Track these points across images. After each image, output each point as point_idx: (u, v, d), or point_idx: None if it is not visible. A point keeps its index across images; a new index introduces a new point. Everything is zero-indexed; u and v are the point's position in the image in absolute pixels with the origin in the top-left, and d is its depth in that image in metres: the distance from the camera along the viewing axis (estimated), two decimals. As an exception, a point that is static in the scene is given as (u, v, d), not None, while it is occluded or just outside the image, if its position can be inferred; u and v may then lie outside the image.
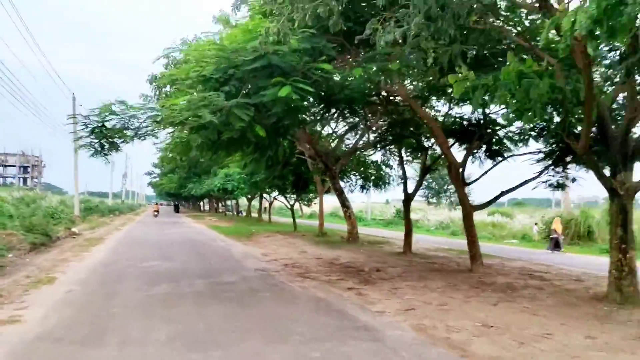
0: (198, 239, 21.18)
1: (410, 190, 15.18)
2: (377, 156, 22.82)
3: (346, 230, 25.56)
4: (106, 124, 8.74)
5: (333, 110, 11.60)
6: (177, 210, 73.35)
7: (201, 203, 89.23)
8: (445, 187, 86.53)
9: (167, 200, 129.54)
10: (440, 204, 76.90)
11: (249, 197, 37.65)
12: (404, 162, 16.03)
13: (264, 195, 34.80)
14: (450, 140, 12.87)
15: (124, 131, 8.94)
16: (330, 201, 64.99)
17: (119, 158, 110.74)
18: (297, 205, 51.06)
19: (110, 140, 9.12)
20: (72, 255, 14.45)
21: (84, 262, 13.04)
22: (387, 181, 23.15)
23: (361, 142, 18.88)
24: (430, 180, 70.84)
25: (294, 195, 26.75)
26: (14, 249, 15.39)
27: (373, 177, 22.55)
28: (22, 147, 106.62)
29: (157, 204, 58.88)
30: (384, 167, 21.09)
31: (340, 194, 18.37)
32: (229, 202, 66.79)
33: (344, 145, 20.08)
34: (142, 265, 12.39)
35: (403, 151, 15.45)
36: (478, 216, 43.87)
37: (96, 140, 9.09)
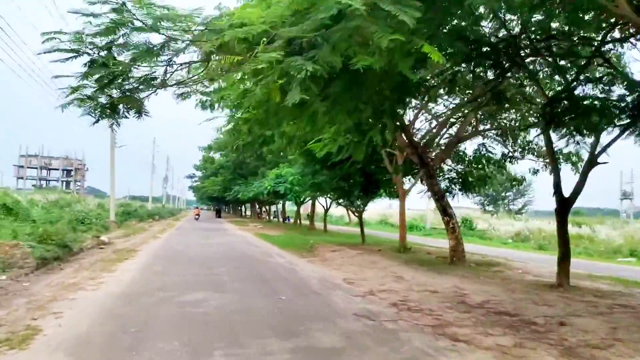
0: (250, 253, 16.97)
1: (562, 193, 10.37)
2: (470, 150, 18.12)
3: (429, 245, 20.90)
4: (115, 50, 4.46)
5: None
6: (218, 215, 70.08)
7: (242, 208, 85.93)
8: (504, 194, 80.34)
9: (207, 205, 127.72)
10: (498, 212, 70.78)
11: (300, 201, 33.46)
12: (555, 153, 11.23)
13: (318, 200, 30.56)
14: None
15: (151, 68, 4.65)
16: (376, 208, 60.00)
17: (159, 160, 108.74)
18: (337, 211, 46.88)
19: (124, 89, 4.83)
20: (88, 278, 10.44)
21: (99, 291, 8.96)
22: (486, 183, 18.43)
23: (468, 129, 14.27)
24: (488, 187, 65.00)
25: (356, 201, 22.21)
26: (15, 266, 11.57)
27: (472, 178, 17.82)
28: (65, 151, 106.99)
29: (197, 208, 63.36)
30: (507, 162, 16.33)
31: (440, 197, 13.74)
32: (273, 208, 63.14)
33: (438, 137, 15.46)
34: (182, 301, 8.16)
35: (555, 136, 10.61)
36: (550, 227, 38.32)
37: (98, 89, 4.80)
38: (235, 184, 36.53)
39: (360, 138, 8.52)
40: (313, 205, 33.62)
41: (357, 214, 21.99)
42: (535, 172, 17.45)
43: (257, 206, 56.20)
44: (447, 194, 20.54)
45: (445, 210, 13.78)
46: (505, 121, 16.18)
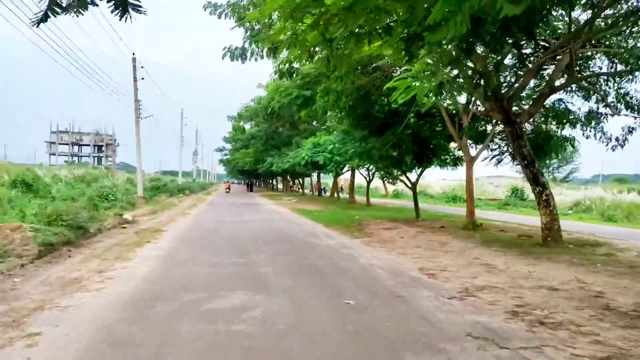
0: (292, 233, 14.58)
1: None
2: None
3: (492, 219, 18.20)
4: None
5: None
6: (250, 188, 68.38)
7: (273, 181, 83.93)
8: (548, 161, 75.47)
9: (237, 179, 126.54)
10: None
11: (338, 173, 30.92)
12: None
13: (358, 170, 27.86)
14: None
15: None
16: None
17: (189, 133, 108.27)
18: (372, 183, 44.55)
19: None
20: (95, 271, 8.22)
21: (102, 293, 6.68)
22: (567, 146, 15.54)
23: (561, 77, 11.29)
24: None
25: (408, 170, 19.42)
26: (13, 254, 9.48)
27: (546, 141, 14.92)
28: (96, 126, 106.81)
29: (228, 182, 67.71)
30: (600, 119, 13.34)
31: (530, 163, 10.90)
32: (307, 180, 60.88)
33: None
34: (212, 311, 5.79)
35: None
36: (603, 195, 34.70)
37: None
38: (268, 155, 33.84)
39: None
40: (353, 176, 30.93)
41: (410, 186, 19.26)
42: (632, 130, 14.39)
43: (290, 179, 53.87)
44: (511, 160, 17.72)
45: (536, 178, 10.94)
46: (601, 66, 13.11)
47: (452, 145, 18.63)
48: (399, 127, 16.41)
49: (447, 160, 19.03)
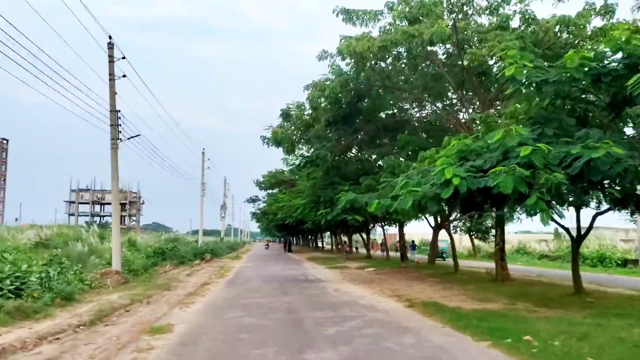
0: None
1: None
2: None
3: None
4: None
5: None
6: (289, 248, 55.95)
7: (314, 237, 71.34)
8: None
9: (272, 237, 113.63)
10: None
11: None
12: None
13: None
14: None
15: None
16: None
17: (214, 184, 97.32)
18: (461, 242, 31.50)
19: None
20: None
21: None
22: None
23: None
24: None
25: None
26: None
27: None
28: (121, 184, 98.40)
29: (267, 239, 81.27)
30: None
31: None
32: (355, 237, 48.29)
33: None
34: None
35: None
36: None
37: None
38: (332, 192, 19.84)
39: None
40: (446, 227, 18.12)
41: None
42: None
43: (343, 235, 41.18)
44: None
45: None
46: None
47: None
48: None
49: None
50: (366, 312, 10.08)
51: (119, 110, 18.88)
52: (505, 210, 11.32)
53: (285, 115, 17.86)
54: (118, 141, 18.49)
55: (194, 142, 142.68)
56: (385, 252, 34.61)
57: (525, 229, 49.27)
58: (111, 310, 10.98)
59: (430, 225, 23.53)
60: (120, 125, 18.78)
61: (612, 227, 44.48)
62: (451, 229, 26.41)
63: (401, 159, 16.85)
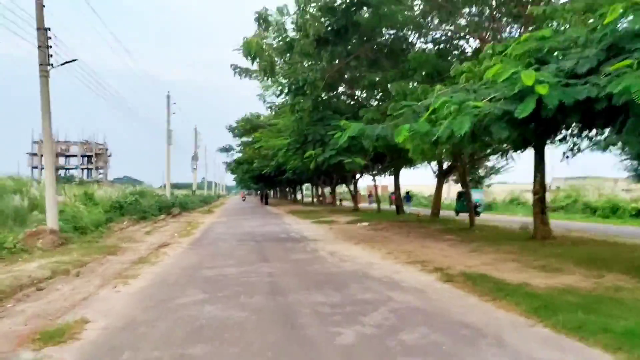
0: None
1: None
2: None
3: None
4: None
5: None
6: (265, 201, 52.59)
7: (293, 189, 67.88)
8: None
9: (247, 190, 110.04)
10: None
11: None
12: None
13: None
14: None
15: None
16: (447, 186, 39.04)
17: (183, 134, 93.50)
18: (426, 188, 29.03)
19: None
20: None
21: None
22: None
23: None
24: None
25: None
26: None
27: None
28: (85, 135, 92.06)
29: (243, 192, 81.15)
30: None
31: None
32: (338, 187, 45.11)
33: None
34: None
35: None
36: None
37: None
38: (323, 130, 15.64)
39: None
40: (463, 179, 14.93)
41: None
42: None
43: (329, 184, 37.56)
44: None
45: None
46: None
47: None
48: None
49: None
50: (388, 293, 6.74)
51: (49, 28, 14.80)
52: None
53: (263, 20, 13.62)
54: (49, 67, 14.52)
55: (165, 92, 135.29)
56: (376, 205, 31.22)
57: (510, 180, 46.79)
58: (11, 290, 7.49)
59: (433, 171, 20.34)
60: (51, 47, 14.75)
61: (609, 178, 42.45)
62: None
63: (411, 85, 13.09)
